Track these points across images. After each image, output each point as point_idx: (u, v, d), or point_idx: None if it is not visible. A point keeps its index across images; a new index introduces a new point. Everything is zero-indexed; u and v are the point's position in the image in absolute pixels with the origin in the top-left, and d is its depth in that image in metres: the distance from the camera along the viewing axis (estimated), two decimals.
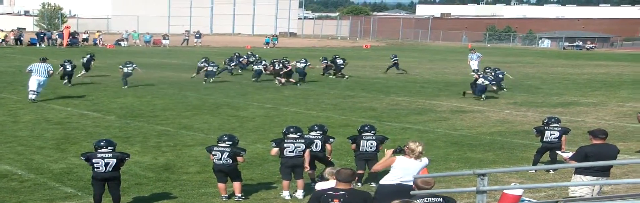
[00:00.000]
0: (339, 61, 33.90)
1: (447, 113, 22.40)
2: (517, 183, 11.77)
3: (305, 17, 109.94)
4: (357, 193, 8.12)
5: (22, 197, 11.76)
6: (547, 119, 14.39)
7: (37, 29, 66.56)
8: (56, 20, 70.13)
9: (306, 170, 12.07)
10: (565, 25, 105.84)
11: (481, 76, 26.18)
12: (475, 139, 17.90)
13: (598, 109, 24.20)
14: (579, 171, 10.79)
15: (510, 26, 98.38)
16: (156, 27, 75.31)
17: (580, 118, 21.77)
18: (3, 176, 13.06)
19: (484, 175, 8.61)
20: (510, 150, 16.49)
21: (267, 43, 63.31)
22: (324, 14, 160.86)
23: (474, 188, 8.69)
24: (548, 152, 14.25)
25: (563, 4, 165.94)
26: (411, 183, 9.13)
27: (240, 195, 11.72)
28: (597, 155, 10.52)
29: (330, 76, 33.60)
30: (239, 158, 11.53)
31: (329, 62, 34.56)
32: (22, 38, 55.50)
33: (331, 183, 9.43)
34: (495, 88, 26.09)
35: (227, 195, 11.74)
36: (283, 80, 29.49)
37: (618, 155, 11.08)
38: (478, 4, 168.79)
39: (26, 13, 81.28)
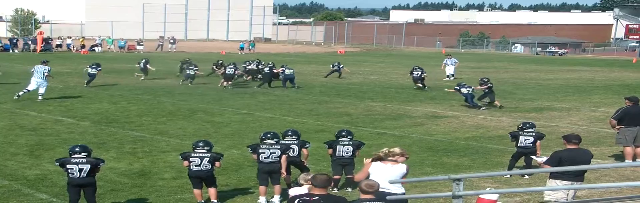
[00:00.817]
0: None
1: (422, 118, 22.48)
2: (493, 188, 11.86)
3: (279, 23, 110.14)
4: (333, 199, 8.03)
5: None
6: (522, 125, 14.52)
7: (10, 35, 66.05)
8: (29, 26, 69.66)
9: (283, 175, 12.07)
10: (537, 31, 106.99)
11: (460, 86, 25.49)
12: (450, 144, 17.98)
13: (571, 114, 24.40)
14: (554, 175, 10.88)
15: (483, 32, 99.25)
16: (130, 32, 75.07)
17: (554, 123, 21.95)
18: None
19: (459, 180, 8.68)
20: (485, 155, 16.57)
21: (242, 49, 63.46)
22: (298, 20, 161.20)
23: (450, 193, 8.76)
24: (523, 157, 14.37)
25: (535, 10, 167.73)
26: (387, 190, 9.17)
27: (216, 201, 11.68)
28: (571, 160, 10.62)
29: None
30: (217, 163, 11.52)
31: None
32: None
33: (305, 188, 9.43)
34: (489, 101, 25.55)
35: (203, 201, 11.69)
36: (226, 83, 30.44)
37: (592, 159, 11.19)
38: (451, 9, 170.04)
39: None
